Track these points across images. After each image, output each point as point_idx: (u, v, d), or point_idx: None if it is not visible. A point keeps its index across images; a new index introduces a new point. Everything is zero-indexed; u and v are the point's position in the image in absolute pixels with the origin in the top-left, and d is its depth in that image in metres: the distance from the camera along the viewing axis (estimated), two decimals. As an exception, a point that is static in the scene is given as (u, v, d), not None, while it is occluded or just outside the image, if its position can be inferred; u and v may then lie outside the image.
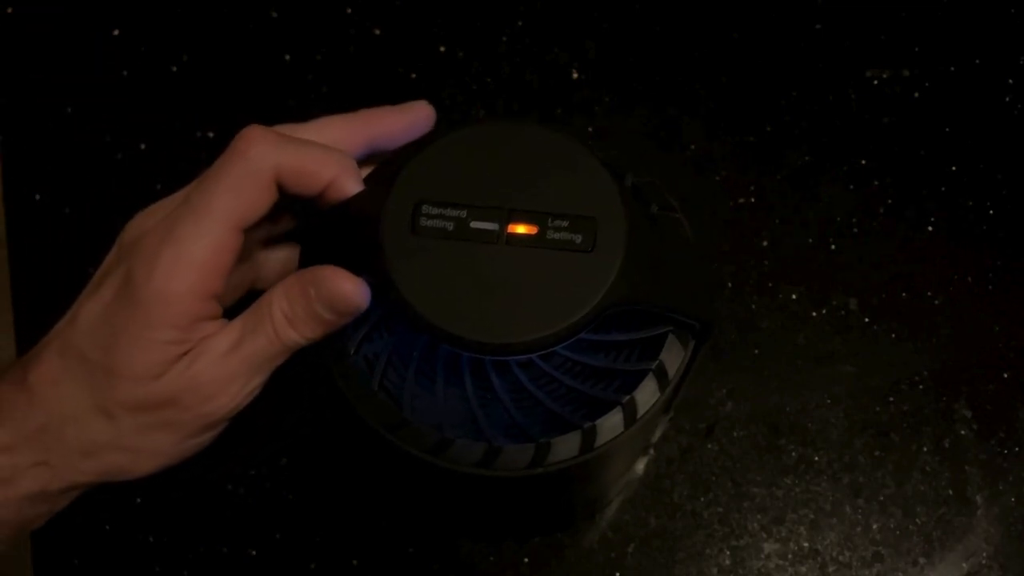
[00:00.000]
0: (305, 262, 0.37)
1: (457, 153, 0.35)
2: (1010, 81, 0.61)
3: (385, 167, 0.38)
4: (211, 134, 0.59)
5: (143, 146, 0.59)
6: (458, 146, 0.35)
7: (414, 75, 0.61)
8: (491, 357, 0.35)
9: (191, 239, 0.34)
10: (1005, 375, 0.56)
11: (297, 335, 0.35)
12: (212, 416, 0.36)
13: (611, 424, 0.36)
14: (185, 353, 0.35)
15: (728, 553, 0.53)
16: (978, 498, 0.53)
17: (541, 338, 0.34)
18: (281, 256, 0.41)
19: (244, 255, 0.38)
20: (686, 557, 0.53)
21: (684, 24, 0.63)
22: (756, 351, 0.56)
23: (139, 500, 0.53)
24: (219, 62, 0.61)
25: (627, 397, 0.37)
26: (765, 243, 0.58)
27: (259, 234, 0.39)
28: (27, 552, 0.53)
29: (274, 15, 0.62)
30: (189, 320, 0.34)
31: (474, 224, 0.34)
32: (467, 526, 0.54)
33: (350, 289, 0.34)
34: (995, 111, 0.61)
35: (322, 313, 0.35)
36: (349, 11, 0.62)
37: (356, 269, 0.35)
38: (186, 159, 0.58)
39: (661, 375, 0.37)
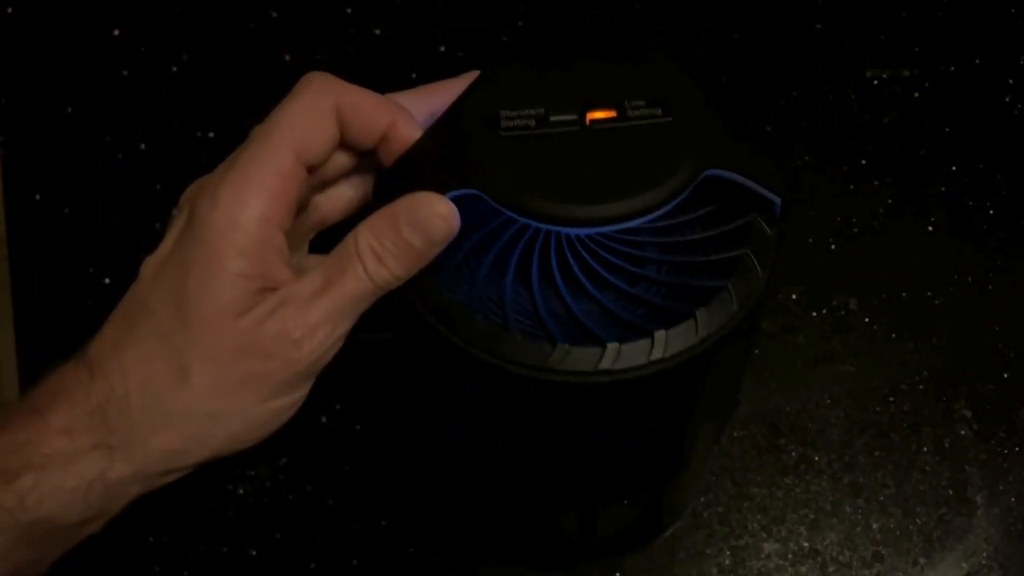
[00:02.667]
0: (381, 200, 0.36)
1: (520, 69, 0.36)
2: (1010, 81, 0.61)
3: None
4: (211, 134, 0.59)
5: (143, 146, 0.59)
6: (521, 64, 0.36)
7: (414, 75, 0.61)
8: (591, 230, 0.34)
9: (254, 164, 0.33)
10: (1005, 375, 0.56)
11: (387, 272, 0.33)
12: (298, 365, 0.33)
13: (720, 312, 0.35)
14: (261, 291, 0.33)
15: (728, 553, 0.53)
16: (978, 498, 0.53)
17: (642, 204, 0.33)
18: (341, 208, 0.40)
19: (304, 201, 0.37)
20: (686, 557, 0.53)
21: (684, 24, 0.63)
22: (756, 351, 0.56)
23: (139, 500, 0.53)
24: (219, 62, 0.61)
25: (724, 283, 0.35)
26: (765, 243, 0.58)
27: (320, 179, 0.38)
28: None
29: (274, 15, 0.62)
30: (257, 246, 0.33)
31: (554, 117, 0.34)
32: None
33: (444, 211, 0.33)
34: (995, 111, 0.61)
35: (413, 242, 0.33)
36: (349, 11, 0.63)
37: (438, 189, 0.34)
38: (186, 159, 0.58)
39: (756, 257, 0.36)
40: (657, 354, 0.34)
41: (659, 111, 0.34)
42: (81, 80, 0.61)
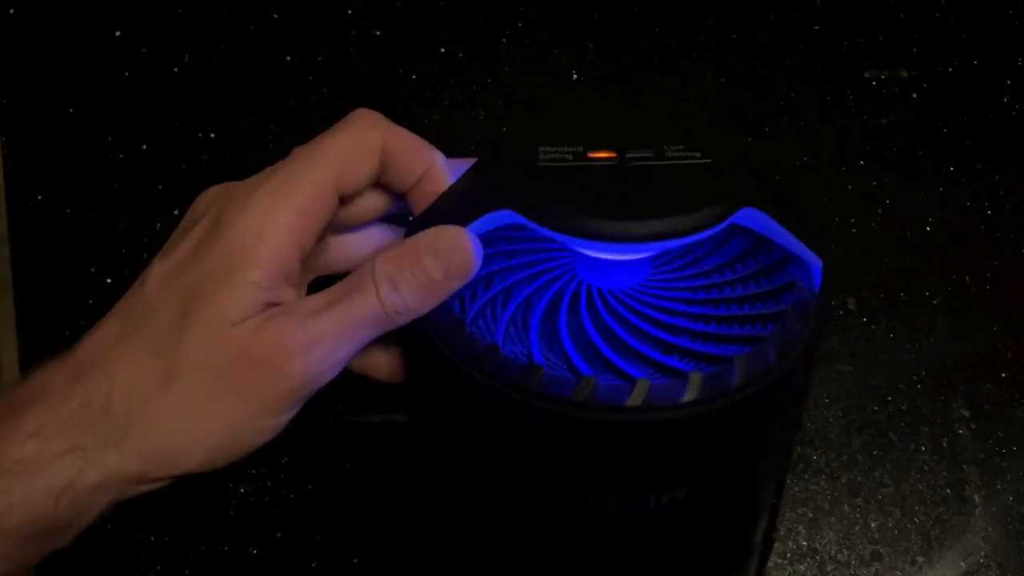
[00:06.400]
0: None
1: (562, 114, 0.36)
2: (1009, 81, 0.61)
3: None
4: (212, 135, 0.59)
5: (144, 147, 0.59)
6: (561, 109, 0.36)
7: (414, 75, 0.61)
8: (636, 247, 0.33)
9: (293, 181, 0.33)
10: (1003, 375, 0.56)
11: (400, 300, 0.33)
12: (289, 381, 0.32)
13: (758, 361, 0.33)
14: (267, 305, 0.32)
15: (727, 552, 0.53)
16: (976, 497, 0.54)
17: (679, 225, 0.32)
18: (350, 257, 0.39)
19: (321, 235, 0.36)
20: (685, 556, 0.53)
21: (684, 25, 0.63)
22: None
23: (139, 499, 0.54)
24: (220, 63, 0.61)
25: (772, 331, 0.34)
26: (764, 243, 0.58)
27: (344, 219, 0.37)
28: (29, 551, 0.54)
29: (275, 16, 0.62)
30: (277, 261, 0.32)
31: (592, 153, 0.34)
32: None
33: (466, 243, 0.33)
34: (994, 111, 0.61)
35: (432, 272, 0.32)
36: (350, 12, 0.63)
37: (471, 214, 0.34)
38: (187, 159, 0.58)
39: (797, 314, 0.34)
40: (692, 395, 0.32)
41: (697, 154, 0.34)
42: (82, 80, 0.61)
